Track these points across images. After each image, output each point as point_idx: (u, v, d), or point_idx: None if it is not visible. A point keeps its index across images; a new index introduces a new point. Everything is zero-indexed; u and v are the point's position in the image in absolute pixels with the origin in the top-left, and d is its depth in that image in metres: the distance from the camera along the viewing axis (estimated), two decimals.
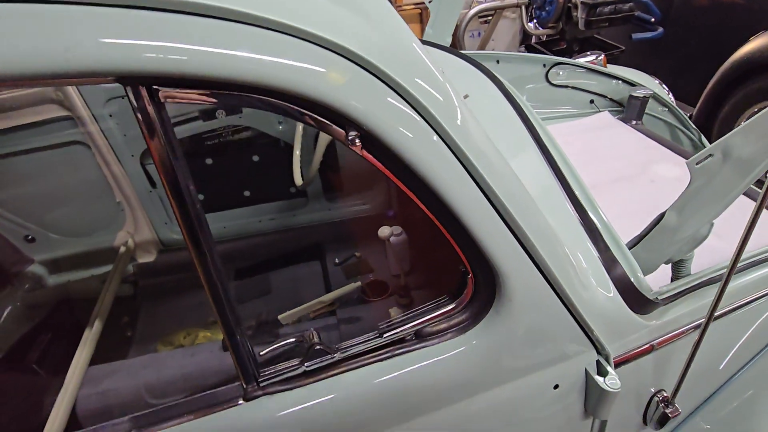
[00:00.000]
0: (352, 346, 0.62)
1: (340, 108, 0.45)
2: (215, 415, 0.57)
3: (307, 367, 0.60)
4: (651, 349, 0.76)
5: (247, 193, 1.92)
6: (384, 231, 1.43)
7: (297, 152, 1.62)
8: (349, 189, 1.96)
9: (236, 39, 0.41)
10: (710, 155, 0.70)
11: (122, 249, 1.88)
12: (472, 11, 3.21)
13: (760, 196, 0.60)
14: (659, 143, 1.77)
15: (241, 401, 0.58)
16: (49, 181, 1.77)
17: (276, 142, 1.89)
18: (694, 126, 1.95)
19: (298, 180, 1.58)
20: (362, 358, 0.62)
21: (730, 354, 0.95)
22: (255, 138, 1.88)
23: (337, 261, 1.87)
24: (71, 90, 1.60)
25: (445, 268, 0.68)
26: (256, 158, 1.91)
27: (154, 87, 0.40)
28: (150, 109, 0.40)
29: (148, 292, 1.95)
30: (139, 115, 0.40)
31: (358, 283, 1.59)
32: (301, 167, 1.67)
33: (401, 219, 1.43)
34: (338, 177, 1.92)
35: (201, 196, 1.93)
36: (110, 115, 1.69)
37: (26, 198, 1.76)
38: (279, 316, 1.32)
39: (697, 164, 0.71)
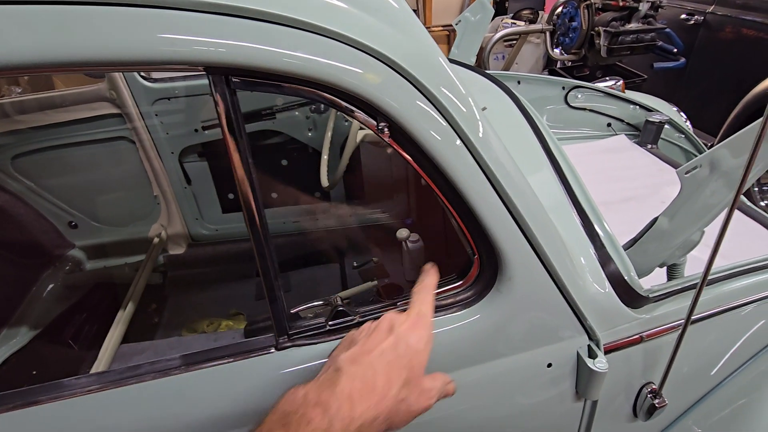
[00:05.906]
0: (370, 311, 0.71)
1: (374, 101, 0.56)
2: (251, 360, 0.66)
3: (330, 326, 0.69)
4: (640, 340, 0.83)
5: (274, 195, 2.01)
6: (402, 233, 1.52)
7: (325, 157, 1.72)
8: (369, 198, 2.04)
9: (297, 42, 0.51)
10: (698, 166, 0.77)
11: (155, 240, 1.97)
12: (498, 35, 3.31)
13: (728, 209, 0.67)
14: (672, 166, 1.82)
15: (273, 350, 0.67)
16: (95, 172, 1.88)
17: (304, 148, 1.98)
18: None
19: (325, 182, 1.68)
20: None
21: (723, 360, 1.01)
22: (285, 143, 1.97)
23: (355, 264, 1.96)
24: (123, 89, 1.72)
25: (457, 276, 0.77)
26: (284, 162, 2.00)
27: (231, 77, 0.51)
28: (226, 93, 0.51)
29: (176, 282, 2.05)
30: (218, 98, 0.51)
31: (375, 282, 1.68)
32: (327, 172, 1.76)
33: (418, 229, 1.52)
34: (360, 186, 2.00)
35: (231, 195, 2.04)
36: (156, 114, 1.80)
37: (74, 187, 1.87)
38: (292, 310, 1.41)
39: (686, 174, 0.78)
